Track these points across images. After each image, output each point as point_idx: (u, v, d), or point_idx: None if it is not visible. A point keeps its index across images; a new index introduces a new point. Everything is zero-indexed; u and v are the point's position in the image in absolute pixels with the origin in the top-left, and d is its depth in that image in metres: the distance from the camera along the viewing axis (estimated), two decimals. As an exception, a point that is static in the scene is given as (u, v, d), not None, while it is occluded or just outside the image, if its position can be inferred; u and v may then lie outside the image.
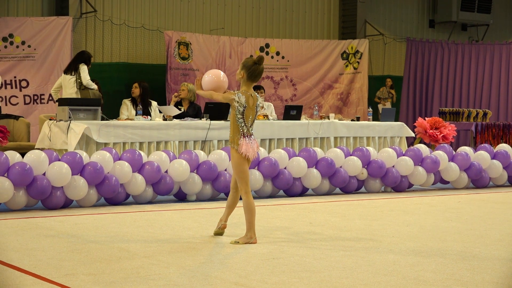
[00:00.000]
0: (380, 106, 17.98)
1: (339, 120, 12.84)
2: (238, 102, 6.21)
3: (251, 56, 6.49)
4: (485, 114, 16.09)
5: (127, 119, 10.93)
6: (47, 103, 14.35)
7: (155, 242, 6.11)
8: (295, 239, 6.26)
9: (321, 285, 4.69)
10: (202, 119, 11.20)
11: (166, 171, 8.84)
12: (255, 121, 6.40)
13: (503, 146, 11.56)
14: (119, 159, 8.60)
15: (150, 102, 11.74)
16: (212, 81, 6.37)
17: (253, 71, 6.25)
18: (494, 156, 11.17)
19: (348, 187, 10.03)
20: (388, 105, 18.16)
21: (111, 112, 11.65)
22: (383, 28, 19.80)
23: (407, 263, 5.39)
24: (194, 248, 5.88)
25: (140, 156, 8.70)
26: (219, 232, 6.53)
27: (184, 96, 12.05)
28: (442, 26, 21.01)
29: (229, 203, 6.54)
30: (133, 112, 11.46)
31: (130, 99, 11.74)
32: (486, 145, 11.49)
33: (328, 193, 9.93)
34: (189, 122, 10.86)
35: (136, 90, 11.65)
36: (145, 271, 4.99)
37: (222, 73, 6.48)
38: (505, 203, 9.37)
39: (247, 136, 6.30)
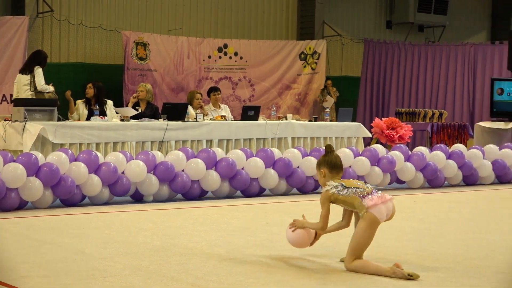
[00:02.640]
0: (324, 104, 17.71)
1: (297, 120, 12.90)
2: (336, 188, 5.24)
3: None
4: (440, 115, 16.29)
5: (78, 120, 10.86)
6: (1, 103, 14.16)
7: (111, 244, 6.07)
8: (253, 240, 6.26)
9: (278, 285, 4.71)
10: (160, 119, 11.17)
11: (123, 172, 8.79)
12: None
13: (458, 146, 11.69)
14: (75, 160, 8.53)
15: (106, 101, 11.66)
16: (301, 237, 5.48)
17: (330, 161, 5.34)
18: (449, 156, 11.29)
19: (305, 187, 10.07)
20: (330, 101, 17.78)
21: (68, 113, 11.56)
22: (341, 29, 19.91)
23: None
24: (151, 250, 5.86)
25: (96, 156, 8.64)
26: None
27: (143, 97, 12.00)
28: (399, 27, 21.19)
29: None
30: (85, 112, 11.39)
31: (83, 100, 11.64)
32: (442, 145, 11.61)
33: (285, 194, 9.95)
34: (147, 122, 10.82)
35: (90, 91, 11.56)
36: (100, 272, 4.96)
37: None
38: (460, 203, 9.49)
39: (369, 194, 5.20)
